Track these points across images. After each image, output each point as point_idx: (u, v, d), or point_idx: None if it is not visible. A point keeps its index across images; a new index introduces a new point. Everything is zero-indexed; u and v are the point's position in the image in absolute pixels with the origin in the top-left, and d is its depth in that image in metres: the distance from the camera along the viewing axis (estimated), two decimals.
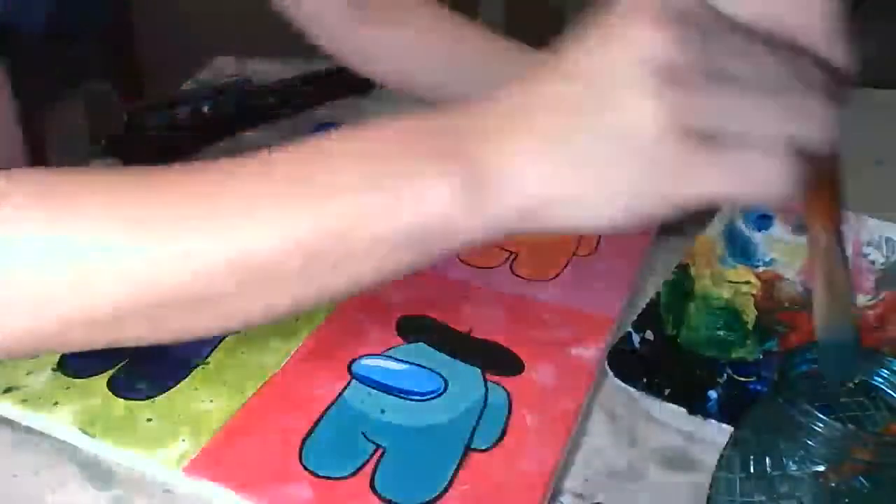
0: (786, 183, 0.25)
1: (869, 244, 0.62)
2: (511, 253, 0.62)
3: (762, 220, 0.63)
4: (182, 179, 0.32)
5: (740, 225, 0.63)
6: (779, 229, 0.63)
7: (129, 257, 0.31)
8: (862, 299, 0.58)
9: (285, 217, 0.30)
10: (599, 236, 0.64)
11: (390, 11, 0.65)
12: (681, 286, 0.56)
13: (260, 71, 0.88)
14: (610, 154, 0.26)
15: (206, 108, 0.78)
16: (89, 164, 0.77)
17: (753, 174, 0.25)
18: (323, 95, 0.88)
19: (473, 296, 0.57)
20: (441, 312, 0.55)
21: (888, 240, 0.62)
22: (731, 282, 0.59)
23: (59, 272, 0.31)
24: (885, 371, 0.35)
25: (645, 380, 0.48)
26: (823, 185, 0.29)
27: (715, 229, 0.61)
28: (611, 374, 0.47)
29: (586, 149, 0.26)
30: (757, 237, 0.63)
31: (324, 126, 0.82)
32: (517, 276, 0.59)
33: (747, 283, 0.59)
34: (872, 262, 0.62)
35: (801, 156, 0.25)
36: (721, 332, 0.54)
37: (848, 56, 0.26)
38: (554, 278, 0.59)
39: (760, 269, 0.61)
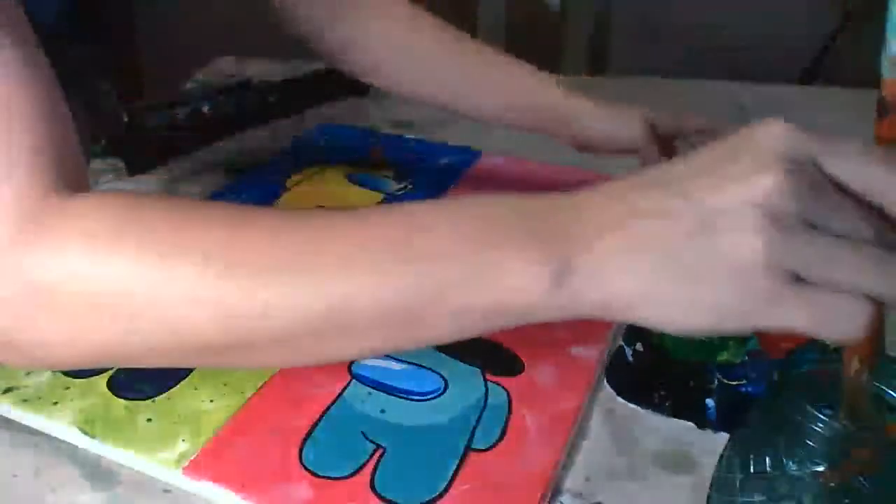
0: (857, 327, 0.28)
1: None
2: None
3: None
4: (283, 226, 0.34)
5: None
6: None
7: (226, 301, 0.32)
8: None
9: (377, 276, 0.32)
10: None
11: (368, 7, 0.66)
12: None
13: (260, 71, 0.88)
14: (706, 272, 0.28)
15: (206, 108, 0.78)
16: (89, 164, 0.78)
17: (831, 316, 0.28)
18: (323, 95, 0.88)
19: None
20: None
21: None
22: None
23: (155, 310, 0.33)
24: (886, 371, 0.35)
25: (645, 395, 0.48)
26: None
27: None
28: (614, 392, 0.47)
29: (683, 262, 0.29)
30: None
31: (324, 126, 0.82)
32: None
33: None
34: None
35: (872, 305, 0.28)
36: (703, 336, 0.54)
37: None
38: None
39: None
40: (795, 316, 0.28)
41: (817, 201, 0.28)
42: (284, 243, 0.33)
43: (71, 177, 0.37)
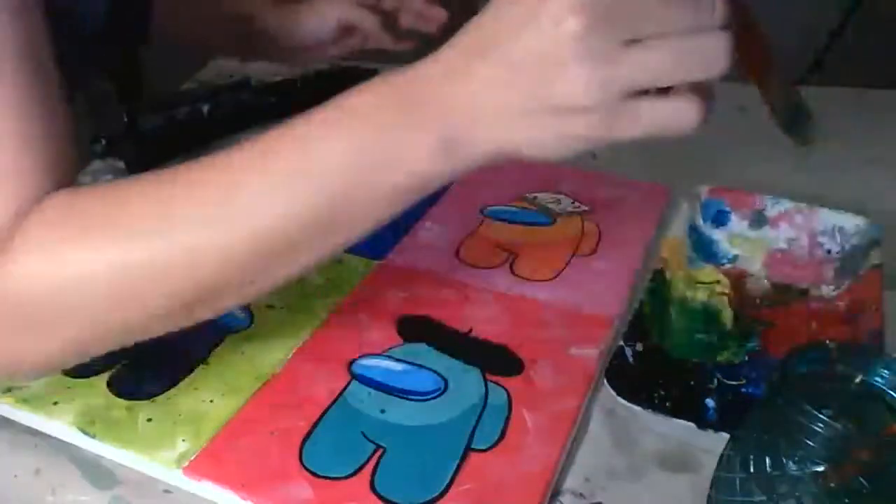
0: (693, 119, 0.32)
1: (823, 234, 0.63)
2: (511, 253, 0.62)
3: (719, 216, 0.64)
4: (197, 177, 0.37)
5: (700, 224, 0.64)
6: (737, 224, 0.64)
7: (166, 264, 0.36)
8: (825, 290, 0.59)
9: (291, 195, 0.36)
10: (599, 236, 0.64)
11: None
12: (660, 292, 0.56)
13: (260, 71, 0.88)
14: (553, 120, 0.33)
15: (205, 108, 0.78)
16: (89, 163, 0.78)
17: (666, 117, 0.32)
18: (323, 95, 0.88)
19: (473, 296, 0.57)
20: (441, 312, 0.55)
21: (840, 229, 0.63)
22: (702, 283, 0.59)
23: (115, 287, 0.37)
24: (885, 371, 0.35)
25: (644, 395, 0.48)
26: (756, 60, 0.37)
27: (679, 230, 0.62)
28: (614, 392, 0.47)
29: (533, 118, 0.33)
30: (717, 234, 0.64)
31: None
32: (517, 276, 0.59)
33: (718, 282, 0.59)
34: (829, 252, 0.62)
35: (703, 91, 0.32)
36: (702, 336, 0.54)
37: None
38: (554, 278, 0.59)
39: (727, 267, 0.61)
40: (636, 126, 0.32)
41: (620, 14, 0.30)
42: (198, 195, 0.36)
43: (52, 178, 0.38)
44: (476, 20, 0.34)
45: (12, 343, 0.39)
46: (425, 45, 0.72)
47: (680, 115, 0.32)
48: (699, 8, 0.30)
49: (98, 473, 0.44)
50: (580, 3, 0.30)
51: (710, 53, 0.30)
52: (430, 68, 0.35)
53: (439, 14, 0.70)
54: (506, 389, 0.48)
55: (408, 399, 0.48)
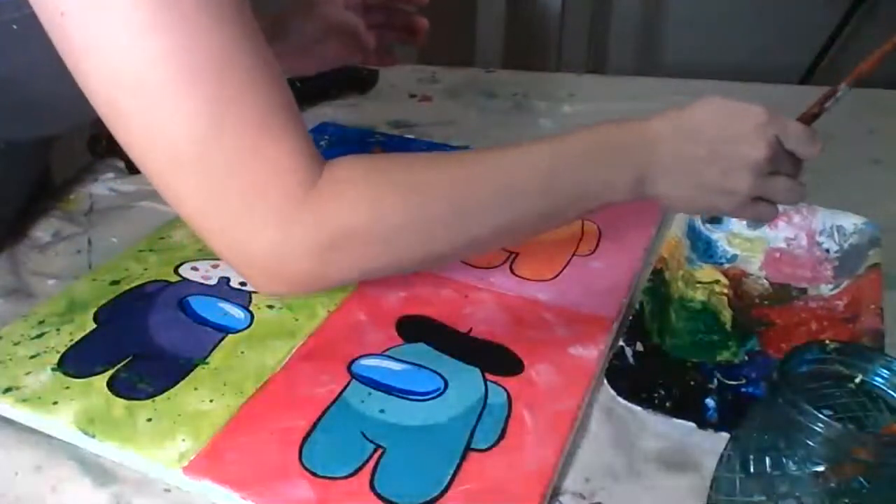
0: (769, 217, 0.51)
1: (821, 233, 0.63)
2: (511, 253, 0.62)
3: (718, 216, 0.64)
4: (480, 169, 0.46)
5: (699, 224, 0.64)
6: (736, 224, 0.64)
7: (448, 227, 0.45)
8: (824, 289, 0.59)
9: (542, 198, 0.46)
10: (599, 236, 0.64)
11: None
12: (659, 292, 0.56)
13: None
14: (711, 195, 0.48)
15: None
16: (90, 163, 0.78)
17: (761, 215, 0.51)
18: (323, 95, 0.88)
19: (473, 296, 0.57)
20: (441, 312, 0.55)
21: (839, 228, 0.63)
22: (701, 283, 0.59)
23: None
24: (885, 371, 0.35)
25: (644, 395, 0.48)
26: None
27: (679, 230, 0.62)
28: (613, 392, 0.47)
29: (704, 184, 0.48)
30: (716, 234, 0.64)
31: (324, 125, 0.82)
32: (517, 276, 0.59)
33: (717, 282, 0.59)
34: (827, 251, 0.62)
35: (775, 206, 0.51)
36: (702, 336, 0.55)
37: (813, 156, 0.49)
38: (554, 278, 0.59)
39: (725, 267, 0.61)
40: (747, 215, 0.50)
41: (779, 160, 0.48)
42: (483, 182, 0.45)
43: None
44: (690, 112, 0.48)
45: (319, 266, 0.43)
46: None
47: (765, 214, 0.51)
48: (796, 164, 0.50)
49: (98, 471, 0.44)
50: (772, 143, 0.47)
51: (796, 192, 0.50)
52: (648, 130, 0.48)
53: (422, 24, 0.71)
54: (506, 389, 0.48)
55: (408, 399, 0.48)
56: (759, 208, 0.50)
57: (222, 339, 0.52)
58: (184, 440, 0.44)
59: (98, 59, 0.38)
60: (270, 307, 0.55)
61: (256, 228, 0.41)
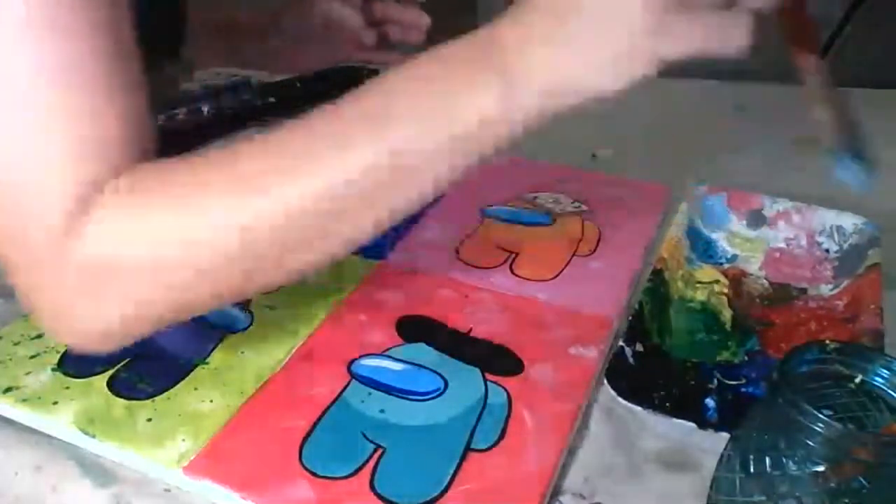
0: (743, 37, 0.34)
1: (821, 233, 0.63)
2: (511, 253, 0.62)
3: (718, 216, 0.64)
4: (275, 141, 0.39)
5: (699, 223, 0.64)
6: (736, 224, 0.64)
7: (245, 213, 0.37)
8: (824, 289, 0.59)
9: (358, 149, 0.37)
10: (599, 236, 0.64)
11: None
12: (658, 292, 0.56)
13: (260, 71, 0.88)
14: (602, 29, 0.34)
15: (205, 108, 0.78)
16: None
17: (719, 31, 0.33)
18: (323, 95, 0.88)
19: (473, 296, 0.57)
20: (441, 312, 0.55)
21: (839, 228, 0.63)
22: (701, 282, 0.59)
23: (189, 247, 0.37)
24: (885, 371, 0.35)
25: (644, 395, 0.48)
26: (802, 41, 0.39)
27: (679, 230, 0.62)
28: (613, 392, 0.47)
29: (581, 32, 0.35)
30: (716, 234, 0.64)
31: None
32: (517, 276, 0.59)
33: (717, 282, 0.59)
34: (827, 251, 0.62)
35: (755, 17, 0.33)
36: (702, 336, 0.54)
37: None
38: (554, 278, 0.59)
39: (725, 267, 0.61)
40: (688, 39, 0.34)
41: None
42: (281, 152, 0.38)
43: (129, 152, 0.39)
44: None
45: (80, 306, 0.39)
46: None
47: (725, 30, 0.34)
48: None
49: (98, 471, 0.44)
50: None
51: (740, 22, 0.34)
52: (486, 27, 0.38)
53: (423, 20, 0.70)
54: (506, 389, 0.48)
55: (408, 399, 0.48)
56: (696, 22, 0.34)
57: (222, 339, 0.52)
58: (184, 440, 0.44)
59: None
60: (271, 307, 0.55)
61: (24, 273, 0.38)
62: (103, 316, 0.39)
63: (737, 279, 0.60)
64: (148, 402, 0.47)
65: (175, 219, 0.37)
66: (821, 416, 0.31)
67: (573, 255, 0.62)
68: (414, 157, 0.37)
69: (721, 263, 0.62)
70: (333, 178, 0.37)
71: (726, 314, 0.56)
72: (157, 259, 0.37)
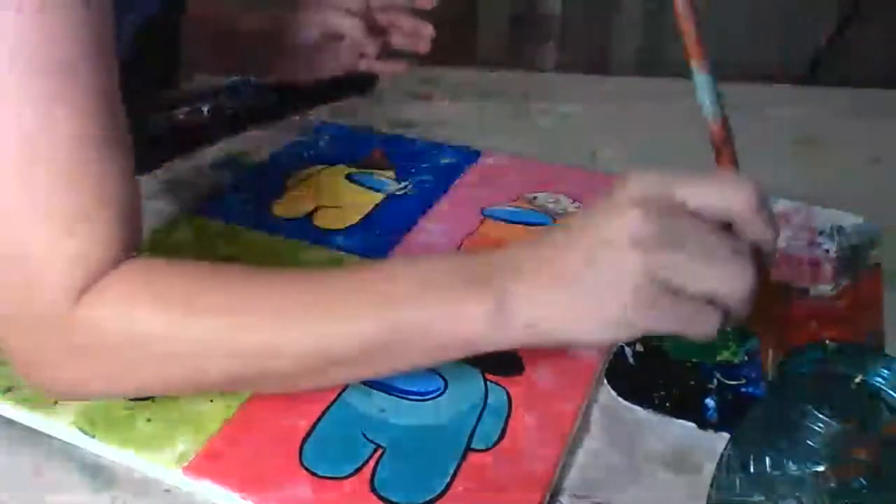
0: (711, 328, 0.37)
1: (822, 234, 0.63)
2: None
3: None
4: (282, 281, 0.42)
5: None
6: None
7: (242, 345, 0.41)
8: (824, 289, 0.59)
9: (360, 320, 0.40)
10: None
11: None
12: None
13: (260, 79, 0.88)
14: (602, 290, 0.37)
15: (205, 108, 0.78)
16: None
17: (691, 319, 0.37)
18: (323, 95, 0.88)
19: None
20: None
21: (839, 228, 0.63)
22: None
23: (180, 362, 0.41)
24: (885, 371, 0.35)
25: (644, 395, 0.48)
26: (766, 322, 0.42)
27: None
28: (614, 392, 0.47)
29: (584, 286, 0.38)
30: None
31: (324, 126, 0.82)
32: None
33: None
34: (827, 251, 0.62)
35: (724, 309, 0.37)
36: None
37: (768, 232, 0.37)
38: None
39: None
40: (667, 320, 0.37)
41: (668, 225, 0.36)
42: (286, 296, 0.41)
43: (127, 234, 0.41)
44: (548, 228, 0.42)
45: (77, 374, 0.42)
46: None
47: (699, 319, 0.37)
48: (733, 241, 0.37)
49: (98, 473, 0.44)
50: (647, 209, 0.36)
51: (736, 275, 0.36)
52: (502, 251, 0.41)
53: (427, 31, 0.70)
54: (506, 389, 0.48)
55: (408, 399, 0.48)
56: (676, 307, 0.36)
57: None
58: (183, 440, 0.44)
59: None
60: None
61: (20, 331, 0.41)
62: (87, 382, 0.43)
63: None
64: (148, 402, 0.47)
65: (170, 327, 0.40)
66: (821, 416, 0.31)
67: None
68: (407, 337, 0.40)
69: None
70: (329, 340, 0.41)
71: None
72: (146, 353, 0.41)
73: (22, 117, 0.37)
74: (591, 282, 0.37)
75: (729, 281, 0.36)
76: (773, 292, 0.39)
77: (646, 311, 0.37)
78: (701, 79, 0.40)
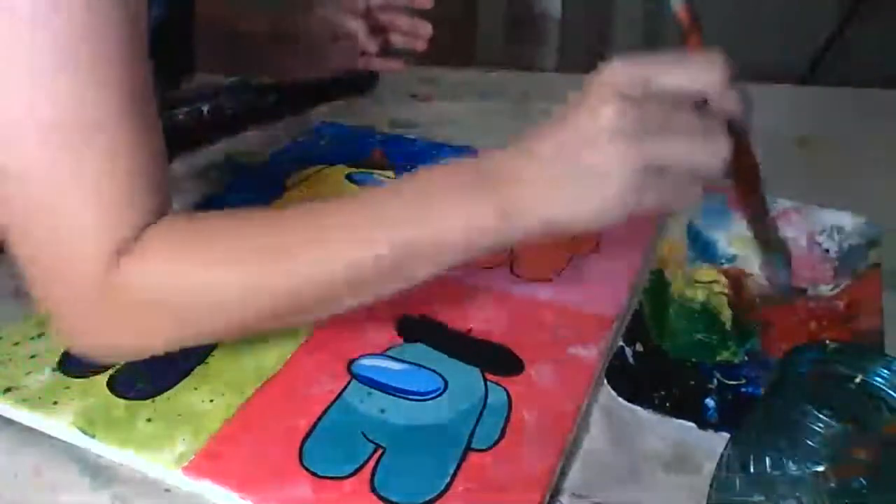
0: (695, 198, 0.40)
1: (821, 233, 0.63)
2: (511, 253, 0.62)
3: (718, 216, 0.64)
4: (298, 215, 0.45)
5: (699, 223, 0.64)
6: (736, 224, 0.64)
7: (265, 281, 0.43)
8: (824, 289, 0.59)
9: (375, 238, 0.42)
10: (599, 237, 0.64)
11: None
12: (658, 292, 0.56)
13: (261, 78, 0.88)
14: (589, 188, 0.39)
15: (205, 108, 0.78)
16: None
17: (676, 194, 0.39)
18: (323, 95, 0.88)
19: (473, 296, 0.57)
20: (441, 312, 0.55)
21: (839, 228, 0.63)
22: (700, 282, 0.59)
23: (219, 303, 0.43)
24: (885, 371, 0.35)
25: (644, 395, 0.48)
26: (746, 181, 0.44)
27: (678, 230, 0.62)
28: (613, 392, 0.47)
29: (574, 187, 0.40)
30: (716, 234, 0.64)
31: (324, 126, 0.82)
32: (517, 276, 0.59)
33: (716, 282, 0.59)
34: (826, 251, 0.62)
35: (702, 179, 0.39)
36: (702, 336, 0.54)
37: (738, 103, 0.39)
38: (554, 278, 0.59)
39: (725, 267, 0.61)
40: (656, 197, 0.39)
41: (647, 112, 0.38)
42: (300, 232, 0.43)
43: (160, 200, 0.43)
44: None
45: (116, 335, 0.44)
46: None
47: (683, 192, 0.40)
48: (705, 115, 0.39)
49: (98, 472, 0.44)
50: (620, 93, 0.38)
51: (715, 149, 0.38)
52: (498, 152, 0.42)
53: (426, 30, 0.71)
54: (506, 389, 0.48)
55: (408, 399, 0.48)
56: (660, 184, 0.39)
57: None
58: (183, 440, 0.44)
59: None
60: None
61: (62, 297, 0.43)
62: (127, 341, 0.45)
63: (737, 279, 0.60)
64: (148, 402, 0.47)
65: (209, 273, 0.42)
66: (821, 416, 0.31)
67: (573, 254, 0.62)
68: (421, 248, 0.42)
69: (721, 263, 0.62)
70: (351, 260, 0.42)
71: (726, 314, 0.56)
72: (188, 306, 0.43)
73: (58, 93, 0.39)
74: (590, 169, 0.39)
75: (709, 155, 0.38)
76: (746, 151, 0.42)
77: (643, 192, 0.39)
78: None
